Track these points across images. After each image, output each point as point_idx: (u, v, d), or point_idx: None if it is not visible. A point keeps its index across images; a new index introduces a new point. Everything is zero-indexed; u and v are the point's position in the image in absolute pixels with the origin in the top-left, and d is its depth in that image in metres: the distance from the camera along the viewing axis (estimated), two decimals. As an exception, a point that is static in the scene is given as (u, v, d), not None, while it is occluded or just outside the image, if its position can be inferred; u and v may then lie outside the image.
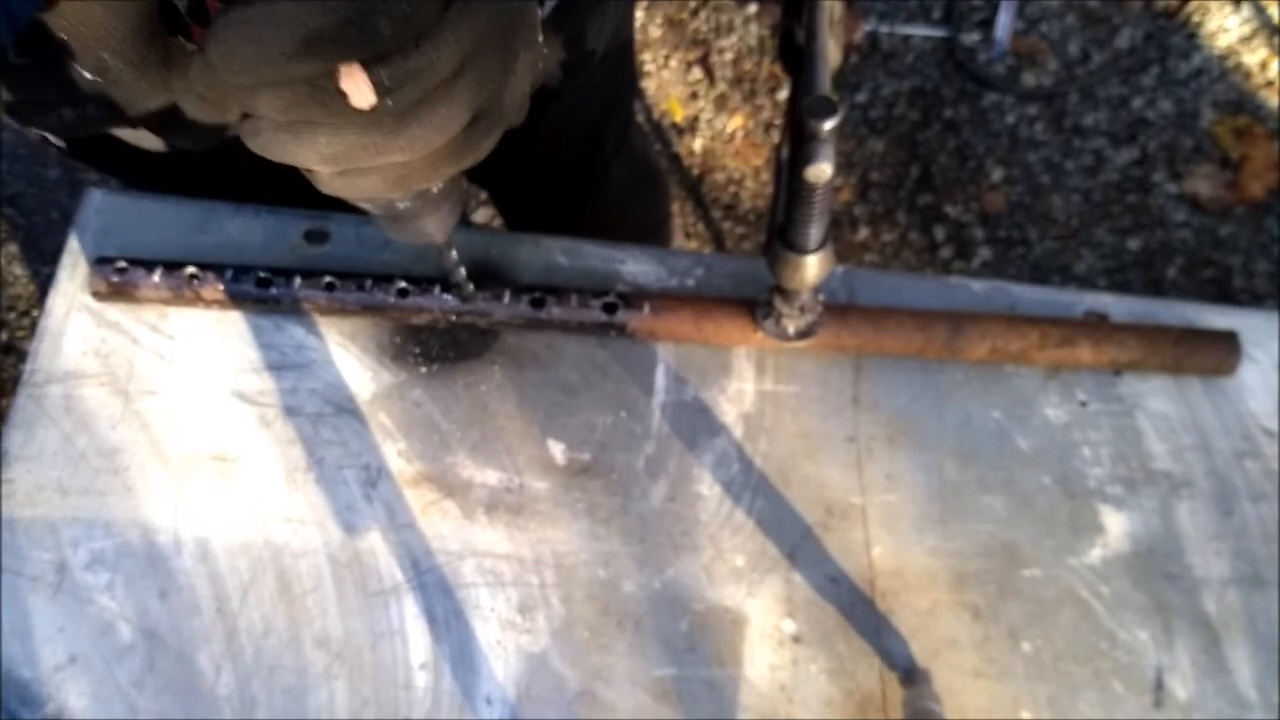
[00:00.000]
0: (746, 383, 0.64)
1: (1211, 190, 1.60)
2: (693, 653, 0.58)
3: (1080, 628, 0.59)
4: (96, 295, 0.63)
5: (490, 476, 0.61)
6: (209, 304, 0.62)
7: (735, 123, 1.68)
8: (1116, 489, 0.62)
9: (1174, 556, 0.61)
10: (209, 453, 0.61)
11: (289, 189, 0.51)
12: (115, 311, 0.64)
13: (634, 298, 0.62)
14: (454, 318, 0.62)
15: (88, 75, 0.32)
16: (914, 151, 1.65)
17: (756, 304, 0.62)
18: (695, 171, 1.65)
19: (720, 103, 1.69)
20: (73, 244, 0.65)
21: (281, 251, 0.65)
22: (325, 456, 0.61)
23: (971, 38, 1.71)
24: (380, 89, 0.29)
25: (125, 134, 0.57)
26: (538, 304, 0.62)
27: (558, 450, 0.62)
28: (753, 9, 1.75)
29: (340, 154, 0.32)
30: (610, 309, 0.62)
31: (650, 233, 1.22)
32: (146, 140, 0.57)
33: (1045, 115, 1.66)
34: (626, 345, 0.64)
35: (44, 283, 1.61)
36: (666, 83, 1.70)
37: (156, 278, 0.61)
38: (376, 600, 0.58)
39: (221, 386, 0.62)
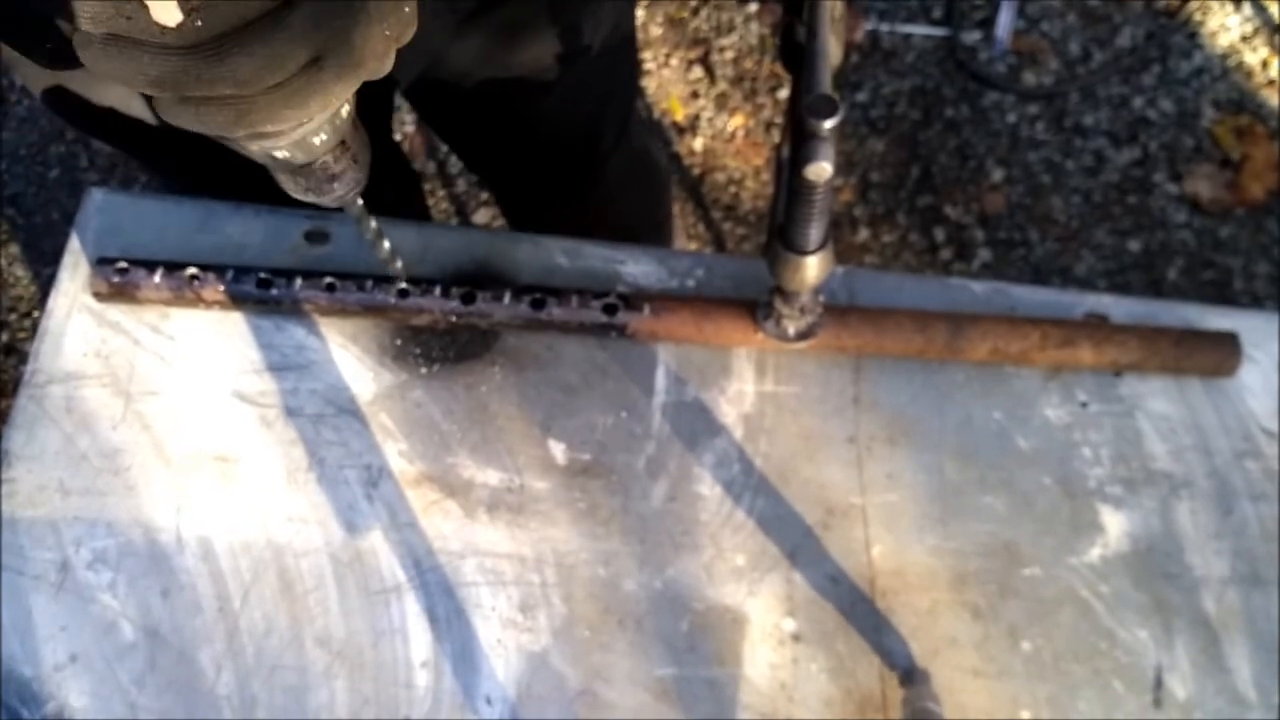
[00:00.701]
0: (747, 383, 0.64)
1: (1212, 191, 1.60)
2: (693, 652, 0.58)
3: (1080, 627, 0.59)
4: (97, 296, 0.63)
5: (491, 476, 0.61)
6: (210, 305, 0.63)
7: (736, 122, 1.68)
8: (1117, 489, 0.62)
9: (1174, 556, 0.61)
10: (210, 453, 0.61)
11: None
12: (116, 312, 0.64)
13: (634, 298, 0.63)
14: (455, 319, 0.62)
15: None
16: (914, 151, 1.65)
17: (757, 305, 0.62)
18: (696, 171, 1.65)
19: (721, 102, 1.69)
20: (73, 244, 0.65)
21: (282, 251, 0.65)
22: (326, 456, 0.61)
23: (972, 36, 1.71)
24: (186, 6, 0.29)
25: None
26: (538, 305, 0.62)
27: (558, 450, 0.62)
28: (753, 7, 1.75)
29: (165, 77, 0.31)
30: (610, 310, 0.62)
31: (651, 230, 1.22)
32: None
33: (1046, 114, 1.66)
34: (627, 346, 0.64)
35: (45, 284, 1.61)
36: (667, 81, 1.70)
37: (157, 278, 0.61)
38: (378, 599, 0.58)
39: (223, 387, 0.62)
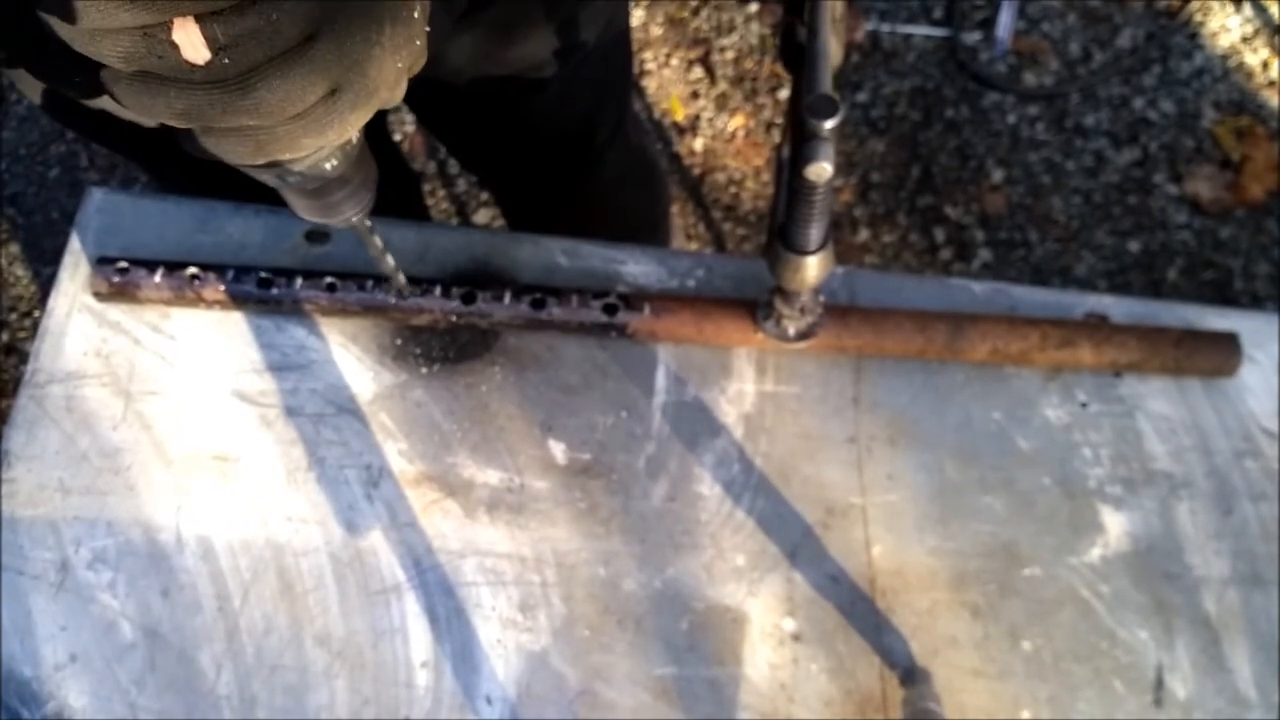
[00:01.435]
0: (747, 383, 0.64)
1: (1212, 192, 1.60)
2: (693, 651, 0.58)
3: (1080, 627, 0.59)
4: (98, 295, 0.63)
5: (491, 476, 0.61)
6: (210, 304, 0.63)
7: (736, 122, 1.68)
8: (1116, 489, 0.62)
9: (1174, 556, 0.61)
10: (210, 453, 0.61)
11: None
12: (116, 312, 0.64)
13: (634, 299, 0.63)
14: (455, 319, 0.62)
15: None
16: (915, 151, 1.65)
17: (757, 305, 0.62)
18: (696, 171, 1.65)
19: (721, 102, 1.69)
20: (74, 244, 0.65)
21: (282, 251, 0.65)
22: (326, 456, 0.61)
23: (973, 37, 1.71)
24: (214, 45, 0.30)
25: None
26: (538, 305, 0.62)
27: (558, 450, 0.62)
28: (754, 7, 1.75)
29: (190, 110, 0.32)
30: (611, 310, 0.62)
31: (647, 228, 1.22)
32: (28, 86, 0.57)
33: (1046, 115, 1.66)
34: (627, 346, 0.64)
35: (45, 283, 1.61)
36: (667, 82, 1.71)
37: (158, 278, 0.61)
38: (378, 599, 0.58)
39: (223, 387, 0.62)
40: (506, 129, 0.85)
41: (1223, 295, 1.56)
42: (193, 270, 0.62)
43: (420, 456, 0.61)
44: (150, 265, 0.62)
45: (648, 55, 1.72)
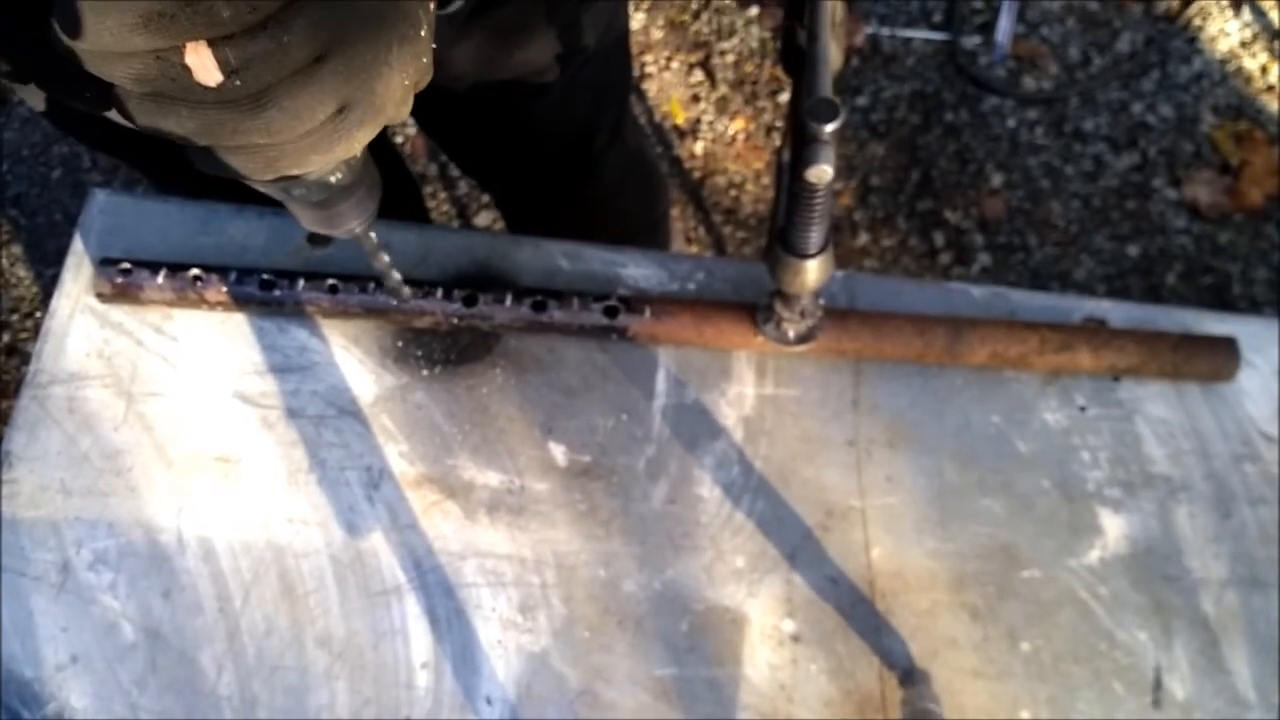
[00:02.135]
0: (747, 386, 0.64)
1: (1211, 196, 1.61)
2: (693, 652, 0.58)
3: (1079, 628, 0.59)
4: (100, 297, 0.63)
5: (492, 478, 0.61)
6: (212, 306, 0.63)
7: (737, 125, 1.68)
8: (1115, 492, 0.63)
9: (1173, 558, 0.61)
10: (212, 454, 0.61)
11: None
12: (119, 313, 0.64)
13: (635, 301, 0.63)
14: (456, 321, 0.62)
15: None
16: (914, 155, 1.66)
17: (757, 308, 0.62)
18: (696, 175, 1.65)
19: (721, 105, 1.69)
20: (77, 245, 0.65)
21: (284, 253, 0.66)
22: (328, 458, 0.61)
23: (972, 41, 1.71)
24: (226, 68, 0.30)
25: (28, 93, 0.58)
26: (539, 307, 0.62)
27: (559, 452, 0.62)
28: (754, 11, 1.75)
29: (202, 129, 0.33)
30: (611, 313, 0.62)
31: (647, 230, 1.22)
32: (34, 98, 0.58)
33: (1045, 119, 1.67)
34: (627, 349, 0.64)
35: (47, 284, 1.61)
36: (668, 85, 1.71)
37: (160, 279, 0.62)
38: (378, 600, 0.59)
39: (225, 388, 0.62)
40: (507, 134, 0.85)
41: (1221, 300, 1.56)
42: (195, 272, 0.62)
43: (421, 458, 0.61)
44: (153, 267, 0.62)
45: (648, 58, 1.73)
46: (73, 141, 1.69)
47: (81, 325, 0.63)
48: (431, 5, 0.36)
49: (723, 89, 1.71)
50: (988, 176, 1.64)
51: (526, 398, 0.63)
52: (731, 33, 1.74)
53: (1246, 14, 1.71)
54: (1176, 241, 1.59)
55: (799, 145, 0.48)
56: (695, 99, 1.70)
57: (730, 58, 1.72)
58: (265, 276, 0.62)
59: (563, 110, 0.83)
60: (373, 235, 0.49)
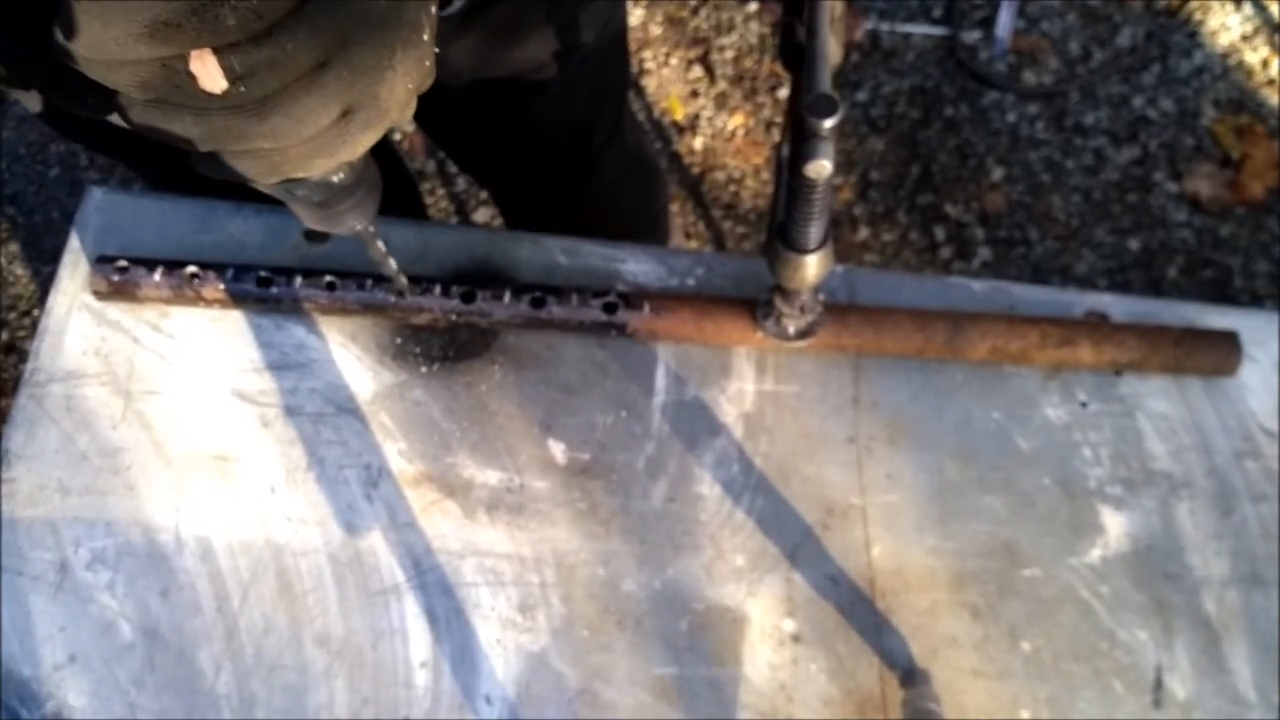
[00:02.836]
0: (747, 383, 0.64)
1: (1212, 190, 1.60)
2: (693, 652, 0.58)
3: (1080, 627, 0.59)
4: (97, 294, 0.63)
5: (491, 476, 0.61)
6: (210, 303, 0.63)
7: (736, 121, 1.68)
8: (1116, 489, 0.62)
9: (1174, 556, 0.61)
10: (210, 452, 0.61)
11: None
12: (116, 311, 0.64)
13: (634, 297, 0.62)
14: (455, 317, 0.62)
15: None
16: (914, 150, 1.65)
17: (757, 304, 0.62)
18: (695, 170, 1.65)
19: (721, 101, 1.69)
20: (73, 243, 0.65)
21: (282, 250, 0.65)
22: (326, 456, 0.61)
23: (972, 36, 1.70)
24: (231, 75, 0.31)
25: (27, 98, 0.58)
26: (538, 304, 0.62)
27: (558, 450, 0.62)
28: (753, 7, 1.75)
29: (207, 135, 0.33)
30: (610, 309, 0.62)
31: (646, 226, 1.22)
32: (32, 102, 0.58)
33: (1046, 114, 1.66)
34: (627, 345, 0.64)
35: (45, 282, 1.61)
36: (667, 81, 1.70)
37: (157, 277, 0.61)
38: (377, 599, 0.58)
39: (222, 386, 0.62)
40: (505, 131, 0.85)
41: (1222, 293, 1.56)
42: (192, 269, 0.62)
43: (420, 456, 0.61)
44: (150, 264, 0.62)
45: (647, 54, 1.72)
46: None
47: (79, 323, 0.63)
48: (433, 8, 0.36)
49: (722, 85, 1.70)
50: (988, 171, 1.63)
51: (525, 395, 0.63)
52: (730, 28, 1.74)
53: (1247, 8, 1.71)
54: (1177, 235, 1.59)
55: (798, 140, 0.48)
56: (694, 94, 1.70)
57: (729, 53, 1.72)
58: (263, 273, 0.62)
59: (561, 107, 0.83)
60: (372, 230, 0.49)
